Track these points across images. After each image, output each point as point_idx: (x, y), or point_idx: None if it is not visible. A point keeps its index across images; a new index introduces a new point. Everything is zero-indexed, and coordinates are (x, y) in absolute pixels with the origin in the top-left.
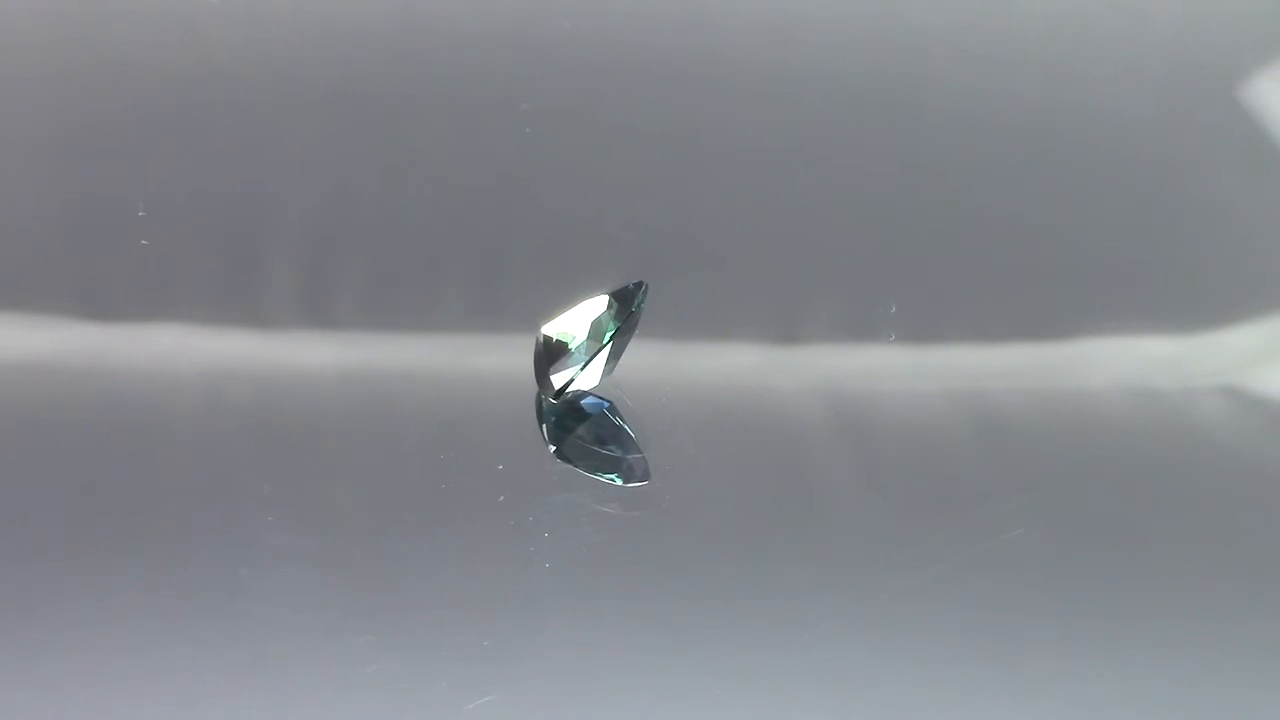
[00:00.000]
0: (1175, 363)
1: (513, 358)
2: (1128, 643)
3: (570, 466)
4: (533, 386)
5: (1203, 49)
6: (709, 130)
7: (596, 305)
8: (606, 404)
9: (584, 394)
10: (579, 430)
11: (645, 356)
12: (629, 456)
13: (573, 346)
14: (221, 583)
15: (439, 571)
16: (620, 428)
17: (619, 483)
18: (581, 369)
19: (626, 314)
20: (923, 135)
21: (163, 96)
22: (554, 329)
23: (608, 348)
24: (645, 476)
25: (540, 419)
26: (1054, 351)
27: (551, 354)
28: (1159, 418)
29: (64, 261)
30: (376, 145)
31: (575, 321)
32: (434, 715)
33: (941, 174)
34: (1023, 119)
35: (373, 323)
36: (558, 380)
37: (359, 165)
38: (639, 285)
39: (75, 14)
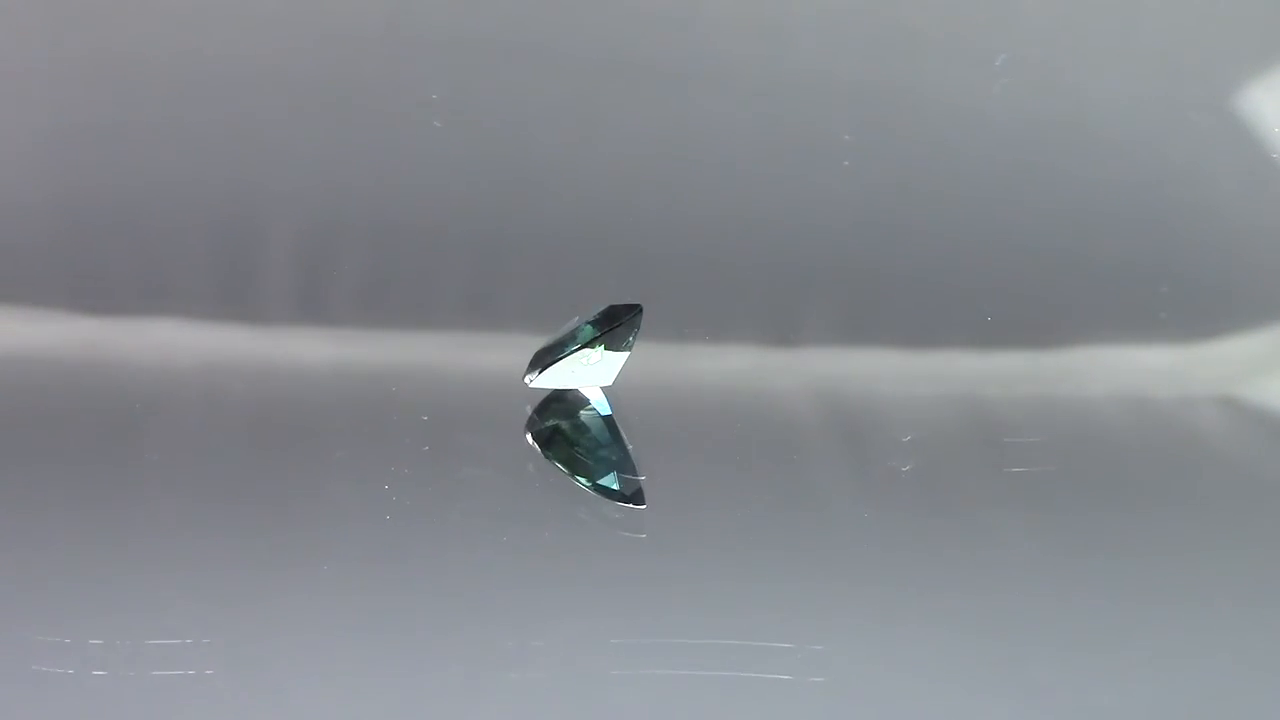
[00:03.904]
0: (1172, 372)
1: (510, 356)
2: (1125, 652)
3: (564, 473)
4: (526, 387)
5: (1199, 57)
6: (708, 132)
7: (591, 316)
8: (606, 414)
9: (567, 400)
10: (574, 439)
11: (644, 360)
12: (623, 476)
13: (554, 345)
14: (217, 577)
15: (433, 568)
16: (618, 441)
17: (612, 500)
18: (543, 369)
19: (608, 330)
20: (920, 141)
21: (160, 91)
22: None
23: (573, 355)
24: (638, 500)
25: (529, 424)
26: (1051, 360)
27: (544, 346)
28: (1156, 427)
29: (61, 255)
30: (374, 142)
31: (570, 325)
32: (430, 711)
33: (939, 180)
34: (1019, 125)
35: (369, 319)
36: (528, 370)
37: (357, 161)
38: (633, 307)
39: (74, 9)
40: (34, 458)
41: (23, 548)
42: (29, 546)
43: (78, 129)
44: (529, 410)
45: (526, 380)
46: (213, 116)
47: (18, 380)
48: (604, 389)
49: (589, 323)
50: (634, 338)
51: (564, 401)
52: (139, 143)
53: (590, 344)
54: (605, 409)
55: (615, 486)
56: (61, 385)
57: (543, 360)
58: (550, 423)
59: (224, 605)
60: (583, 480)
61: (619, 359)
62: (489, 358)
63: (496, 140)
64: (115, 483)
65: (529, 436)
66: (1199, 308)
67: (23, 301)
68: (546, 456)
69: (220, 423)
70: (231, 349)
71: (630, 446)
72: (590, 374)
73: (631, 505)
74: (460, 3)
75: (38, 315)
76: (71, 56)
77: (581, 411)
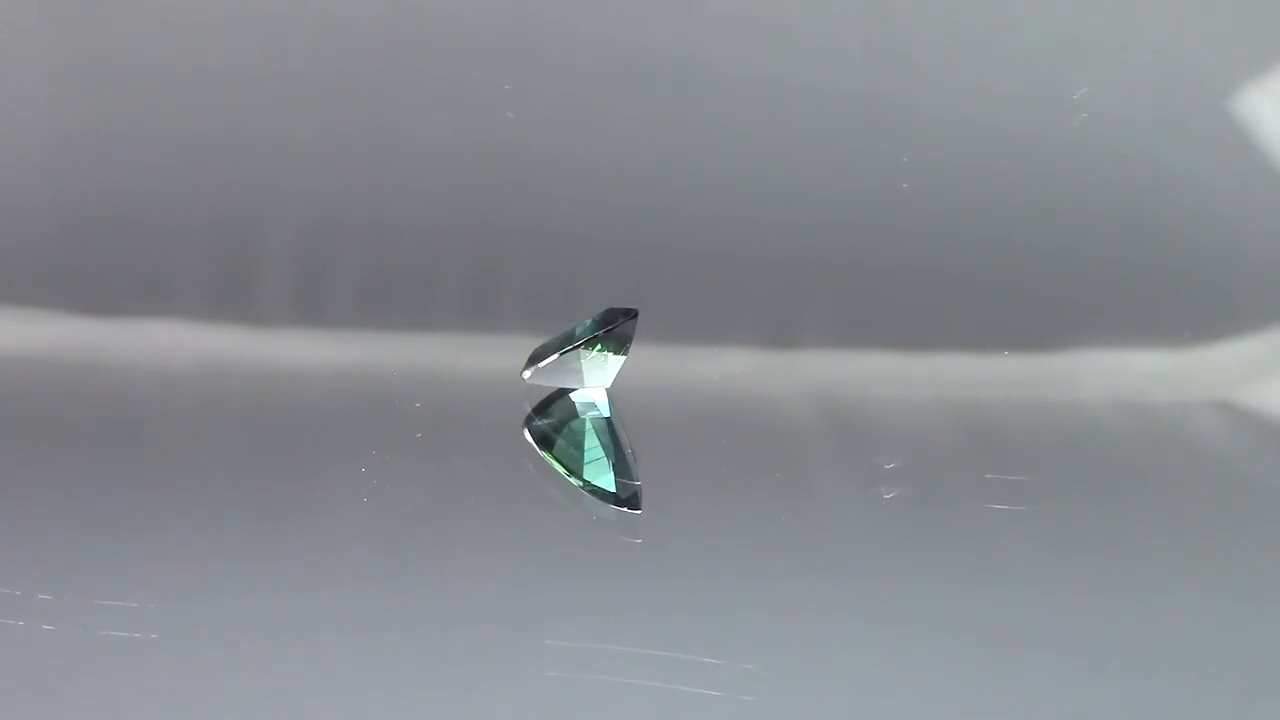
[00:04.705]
0: (1169, 376)
1: (508, 358)
2: (1120, 655)
3: (562, 474)
4: (525, 387)
5: (1195, 60)
6: (708, 134)
7: (590, 318)
8: (607, 416)
9: (568, 400)
10: (573, 441)
11: (643, 362)
12: (620, 479)
13: (552, 343)
14: (214, 576)
15: (428, 568)
16: (617, 444)
17: (608, 502)
18: (540, 365)
19: (606, 331)
20: (917, 145)
21: (159, 92)
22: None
23: (570, 352)
24: (634, 504)
25: (528, 423)
26: (1048, 363)
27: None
28: (1152, 431)
29: (60, 256)
30: (374, 142)
31: (570, 327)
32: (425, 710)
33: (935, 183)
34: (1016, 129)
35: (368, 320)
36: (526, 365)
37: (356, 162)
38: (630, 311)
39: (73, 11)
40: (32, 457)
41: (22, 547)
42: (28, 546)
43: (77, 130)
44: (528, 410)
45: (524, 375)
46: (211, 117)
47: (17, 380)
48: (605, 388)
49: (587, 322)
50: (631, 341)
51: (564, 402)
52: (138, 144)
53: (587, 343)
54: (606, 410)
55: (612, 489)
56: (60, 386)
57: (540, 356)
58: (549, 423)
59: (221, 602)
60: (580, 482)
61: (616, 361)
62: (488, 359)
63: (496, 140)
64: (113, 482)
65: (528, 436)
66: (1196, 312)
67: (22, 302)
68: (545, 457)
69: (218, 424)
70: (230, 350)
71: (630, 450)
72: (587, 375)
73: (627, 509)
74: (460, 1)
75: (37, 316)
76: (70, 57)
77: (582, 413)
